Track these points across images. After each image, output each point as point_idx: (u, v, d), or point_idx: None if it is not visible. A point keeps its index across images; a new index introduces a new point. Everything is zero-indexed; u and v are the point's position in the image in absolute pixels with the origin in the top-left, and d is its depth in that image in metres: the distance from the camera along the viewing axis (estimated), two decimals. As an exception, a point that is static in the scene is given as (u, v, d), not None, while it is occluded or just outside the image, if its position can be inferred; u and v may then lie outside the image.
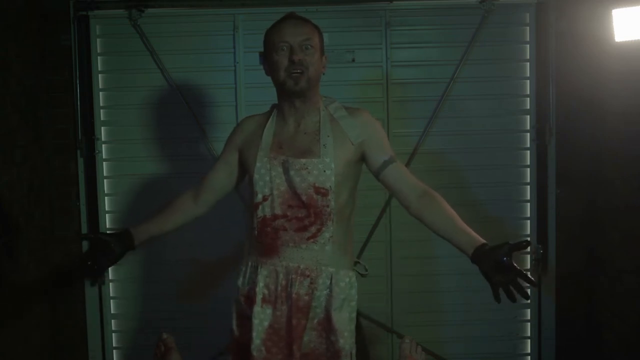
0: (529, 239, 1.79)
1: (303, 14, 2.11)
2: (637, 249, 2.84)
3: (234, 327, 2.15)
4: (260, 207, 2.04)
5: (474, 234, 1.89)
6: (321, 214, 2.01)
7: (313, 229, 2.01)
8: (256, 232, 2.06)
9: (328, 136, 2.03)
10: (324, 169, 1.99)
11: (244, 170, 2.14)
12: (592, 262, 3.27)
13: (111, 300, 3.38)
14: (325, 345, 2.04)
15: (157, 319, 3.30)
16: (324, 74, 2.09)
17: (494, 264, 1.78)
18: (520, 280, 1.77)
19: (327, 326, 2.03)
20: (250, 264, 2.11)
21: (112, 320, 3.39)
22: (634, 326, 2.88)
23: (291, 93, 2.01)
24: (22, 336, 2.91)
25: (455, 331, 3.39)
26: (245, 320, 2.10)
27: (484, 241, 1.85)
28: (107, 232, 1.99)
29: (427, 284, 3.37)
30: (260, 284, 2.03)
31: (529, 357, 3.41)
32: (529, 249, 3.34)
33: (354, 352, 2.04)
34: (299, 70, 1.97)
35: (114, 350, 3.41)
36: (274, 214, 2.03)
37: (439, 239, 3.40)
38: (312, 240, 2.02)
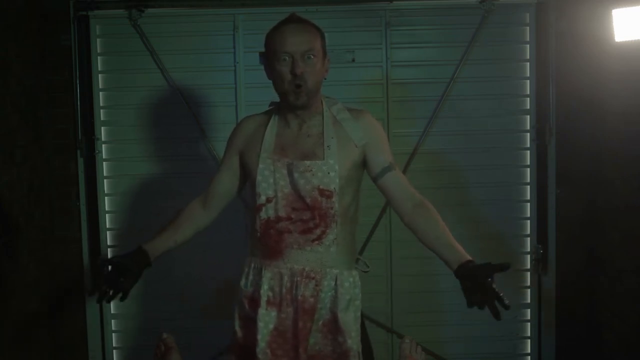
0: (510, 262, 1.79)
1: (303, 14, 2.11)
2: (637, 249, 2.84)
3: (237, 328, 2.14)
4: (263, 209, 2.04)
5: (461, 250, 1.91)
6: (326, 216, 2.01)
7: (318, 232, 2.01)
8: (259, 234, 2.06)
9: (332, 137, 2.03)
10: (328, 171, 1.99)
11: (246, 172, 2.13)
12: (592, 262, 3.27)
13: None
14: (332, 346, 2.04)
15: (157, 319, 3.30)
16: (325, 78, 2.08)
17: (475, 283, 1.79)
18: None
19: (333, 327, 2.03)
20: (253, 265, 2.10)
21: (112, 320, 3.39)
22: (634, 326, 2.88)
23: (293, 105, 2.02)
24: (22, 336, 2.91)
25: (455, 331, 3.39)
26: (248, 321, 2.10)
27: (469, 258, 1.87)
28: (120, 254, 1.96)
29: (427, 284, 3.37)
30: (265, 287, 2.03)
31: (529, 357, 3.42)
32: (528, 249, 3.35)
33: (360, 350, 2.04)
34: (301, 84, 1.97)
35: (114, 350, 3.41)
36: (277, 216, 2.03)
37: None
38: (317, 242, 2.02)
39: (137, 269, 2.01)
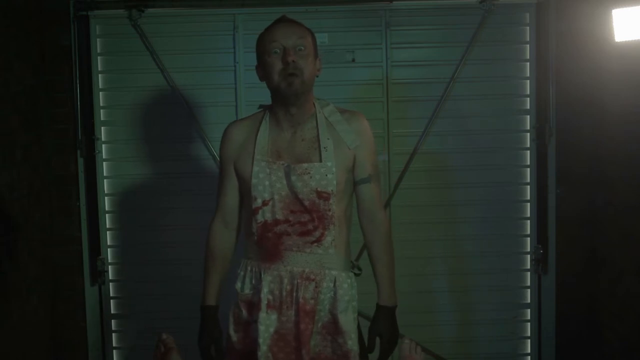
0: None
1: (303, 14, 2.12)
2: (637, 249, 2.84)
3: (231, 332, 2.13)
4: (260, 211, 2.02)
5: (381, 287, 2.16)
6: (324, 218, 2.01)
7: (317, 234, 2.01)
8: (256, 237, 2.05)
9: (328, 139, 2.03)
10: (326, 173, 1.99)
11: (241, 177, 2.09)
12: (592, 262, 3.27)
13: (111, 300, 3.38)
14: (331, 348, 2.04)
15: (157, 319, 3.30)
16: (318, 76, 2.08)
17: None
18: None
19: (333, 329, 2.03)
20: (249, 268, 2.09)
21: (112, 320, 3.39)
22: (634, 326, 2.88)
23: (286, 96, 1.98)
24: (22, 336, 2.91)
25: (455, 331, 3.39)
26: (244, 325, 2.10)
27: (384, 304, 2.15)
28: (206, 330, 2.15)
29: (427, 284, 3.37)
30: (265, 290, 2.02)
31: (529, 357, 3.42)
32: (528, 249, 3.35)
33: (359, 351, 2.04)
34: (294, 73, 1.95)
35: (114, 350, 3.41)
36: (275, 219, 2.02)
37: (439, 240, 3.42)
38: (316, 244, 2.02)
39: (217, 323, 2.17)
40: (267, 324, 2.01)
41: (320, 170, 1.99)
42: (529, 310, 3.39)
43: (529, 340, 3.41)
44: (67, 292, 3.31)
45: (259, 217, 2.03)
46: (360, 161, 2.07)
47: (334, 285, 2.03)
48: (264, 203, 2.02)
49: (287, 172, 2.00)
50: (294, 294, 2.01)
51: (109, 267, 3.36)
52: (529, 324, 3.40)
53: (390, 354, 2.11)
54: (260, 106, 2.16)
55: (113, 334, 3.40)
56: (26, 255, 2.97)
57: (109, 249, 3.36)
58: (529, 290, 3.38)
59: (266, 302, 2.02)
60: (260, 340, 2.00)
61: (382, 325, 2.10)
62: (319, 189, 1.99)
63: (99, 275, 3.32)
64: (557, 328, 3.34)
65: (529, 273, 3.37)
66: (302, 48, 1.97)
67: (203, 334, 2.13)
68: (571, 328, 3.34)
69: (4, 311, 2.74)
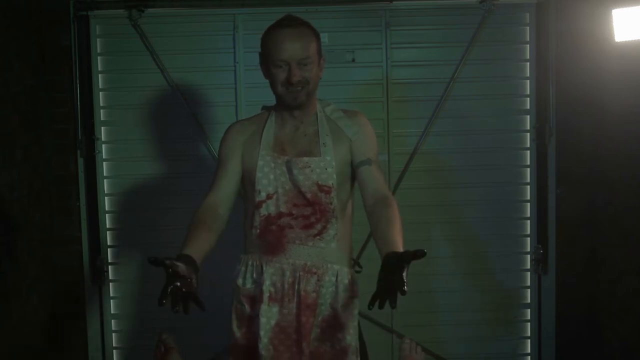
0: (425, 250, 1.60)
1: (303, 14, 2.11)
2: (637, 249, 2.84)
3: (235, 328, 2.13)
4: (263, 205, 2.05)
5: (398, 244, 1.81)
6: (326, 212, 2.03)
7: (319, 227, 2.04)
8: (258, 230, 2.07)
9: (327, 135, 2.07)
10: (325, 167, 2.03)
11: (245, 172, 2.11)
12: (592, 262, 3.27)
13: (111, 300, 3.38)
14: (330, 342, 2.06)
15: (157, 319, 3.29)
16: (320, 77, 2.09)
17: (388, 264, 1.71)
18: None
19: (333, 323, 2.04)
20: (250, 263, 2.10)
21: (112, 320, 3.39)
22: (634, 326, 2.88)
23: (290, 107, 2.05)
24: (22, 336, 2.91)
25: (455, 331, 3.39)
26: (247, 321, 2.10)
27: (400, 250, 1.77)
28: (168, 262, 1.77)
29: (427, 284, 3.37)
30: (267, 282, 2.04)
31: (529, 357, 3.42)
32: (528, 249, 3.35)
33: (358, 347, 2.05)
34: (298, 88, 1.99)
35: (114, 350, 3.41)
36: (279, 212, 2.04)
37: (439, 240, 3.42)
38: (318, 237, 2.04)
39: (194, 272, 1.83)
40: (268, 316, 2.02)
41: (320, 164, 2.03)
42: (529, 310, 3.39)
43: (529, 340, 3.41)
44: (67, 292, 3.31)
45: (263, 211, 2.05)
46: (358, 147, 2.08)
47: (336, 280, 2.05)
48: (268, 196, 2.04)
49: (289, 166, 2.03)
50: (296, 287, 2.03)
51: (109, 267, 3.36)
52: (529, 324, 3.40)
53: (384, 295, 1.65)
54: (263, 107, 2.19)
55: (113, 334, 3.40)
56: (26, 255, 2.97)
57: (109, 249, 3.36)
58: (529, 290, 3.38)
59: (268, 294, 2.03)
60: (262, 333, 2.01)
61: (399, 267, 1.66)
62: (319, 182, 2.02)
63: (99, 275, 3.32)
64: (557, 328, 3.34)
65: (529, 273, 3.37)
66: (307, 63, 1.99)
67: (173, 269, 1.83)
68: (571, 328, 3.34)
69: (4, 311, 2.74)
